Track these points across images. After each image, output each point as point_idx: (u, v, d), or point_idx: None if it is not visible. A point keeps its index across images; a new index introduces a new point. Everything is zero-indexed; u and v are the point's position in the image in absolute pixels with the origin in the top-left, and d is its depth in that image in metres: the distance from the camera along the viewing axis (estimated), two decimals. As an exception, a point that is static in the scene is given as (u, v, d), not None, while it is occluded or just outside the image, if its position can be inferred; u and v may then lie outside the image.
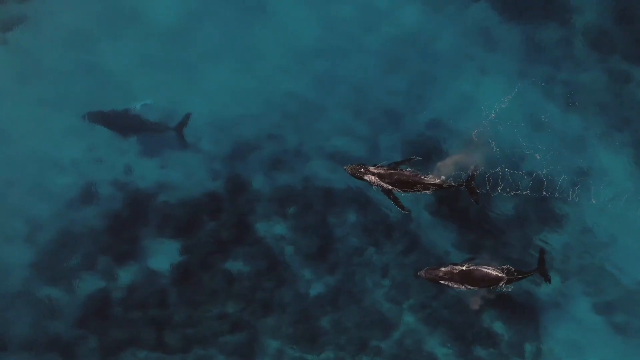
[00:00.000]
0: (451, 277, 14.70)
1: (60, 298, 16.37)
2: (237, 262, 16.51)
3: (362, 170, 14.98)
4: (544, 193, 15.97)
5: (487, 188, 15.80)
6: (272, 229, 16.64)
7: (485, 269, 14.62)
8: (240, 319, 16.28)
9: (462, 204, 16.19)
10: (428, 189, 14.85)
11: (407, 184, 14.79)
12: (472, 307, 15.89)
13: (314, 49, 17.41)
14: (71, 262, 16.55)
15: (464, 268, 14.68)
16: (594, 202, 16.06)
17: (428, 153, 16.49)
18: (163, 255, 16.61)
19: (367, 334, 16.12)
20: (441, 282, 14.73)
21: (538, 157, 16.15)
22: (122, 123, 16.93)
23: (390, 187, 14.91)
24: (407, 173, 14.86)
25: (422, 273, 14.85)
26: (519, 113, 16.68)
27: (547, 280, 15.00)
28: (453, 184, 14.86)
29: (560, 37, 17.10)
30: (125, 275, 16.54)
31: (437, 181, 14.74)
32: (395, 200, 15.14)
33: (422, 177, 14.77)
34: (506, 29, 17.28)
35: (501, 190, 15.87)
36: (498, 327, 16.01)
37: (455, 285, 14.82)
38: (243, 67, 17.38)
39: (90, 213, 16.78)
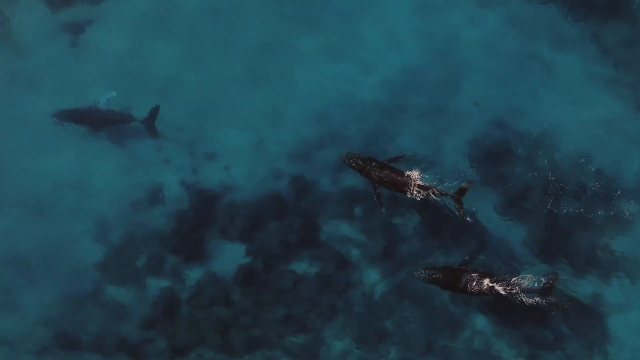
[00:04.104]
0: (439, 278, 14.83)
1: (128, 299, 16.52)
2: (303, 263, 16.53)
3: (357, 160, 15.15)
4: (611, 212, 15.84)
5: (550, 202, 15.78)
6: (338, 230, 16.62)
7: (478, 275, 14.68)
8: (306, 321, 16.29)
9: (530, 205, 16.09)
10: (416, 191, 14.88)
11: (395, 183, 14.91)
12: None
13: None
14: (138, 263, 16.70)
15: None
16: None
17: (494, 155, 16.48)
18: (229, 256, 16.67)
19: (434, 335, 16.03)
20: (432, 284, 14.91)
21: (599, 168, 16.09)
22: (90, 118, 16.96)
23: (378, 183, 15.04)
24: (398, 171, 15.00)
25: (415, 273, 15.03)
26: (583, 116, 16.60)
27: (553, 307, 14.82)
28: (439, 191, 14.90)
29: (628, 37, 16.92)
30: (192, 276, 16.63)
31: (426, 185, 14.87)
32: (379, 197, 15.20)
33: (411, 178, 14.81)
34: (573, 29, 17.14)
35: (560, 206, 15.87)
36: (565, 329, 15.86)
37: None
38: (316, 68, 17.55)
39: (156, 214, 16.91)
